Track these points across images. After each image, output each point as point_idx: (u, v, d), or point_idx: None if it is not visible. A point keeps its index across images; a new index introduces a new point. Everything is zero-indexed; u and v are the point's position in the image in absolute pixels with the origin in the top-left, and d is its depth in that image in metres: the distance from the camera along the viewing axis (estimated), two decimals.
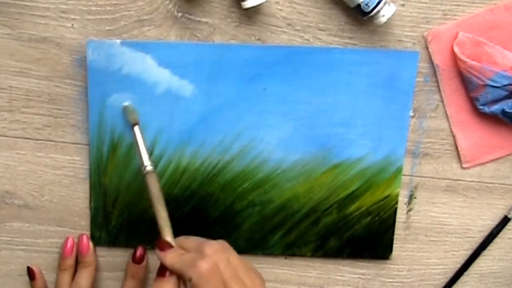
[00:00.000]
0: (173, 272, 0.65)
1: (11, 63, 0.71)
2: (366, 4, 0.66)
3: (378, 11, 0.67)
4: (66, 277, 0.76)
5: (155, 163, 0.72)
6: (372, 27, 0.70)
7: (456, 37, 0.70)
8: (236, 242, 0.76)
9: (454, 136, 0.74)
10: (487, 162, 0.75)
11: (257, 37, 0.70)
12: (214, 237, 0.75)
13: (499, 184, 0.76)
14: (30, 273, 0.77)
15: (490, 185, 0.76)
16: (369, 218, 0.76)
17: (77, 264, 0.76)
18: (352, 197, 0.75)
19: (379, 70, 0.70)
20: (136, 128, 0.70)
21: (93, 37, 0.70)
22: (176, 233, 0.72)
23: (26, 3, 0.69)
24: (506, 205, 0.77)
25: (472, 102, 0.72)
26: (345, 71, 0.70)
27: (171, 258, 0.66)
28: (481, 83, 0.69)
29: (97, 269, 0.77)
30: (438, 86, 0.72)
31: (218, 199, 0.75)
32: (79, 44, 0.70)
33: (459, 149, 0.74)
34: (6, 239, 0.77)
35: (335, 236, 0.76)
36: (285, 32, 0.70)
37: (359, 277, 0.79)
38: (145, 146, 0.69)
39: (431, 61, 0.71)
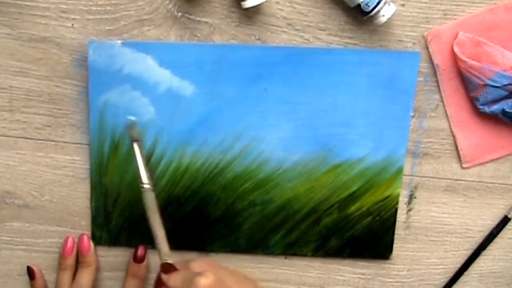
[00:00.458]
0: None
1: (11, 63, 0.71)
2: (366, 4, 0.66)
3: (378, 11, 0.67)
4: (66, 276, 0.76)
5: (155, 163, 0.73)
6: (372, 27, 0.70)
7: (456, 37, 0.70)
8: (237, 242, 0.76)
9: (454, 136, 0.74)
10: (487, 162, 0.75)
11: (257, 37, 0.70)
12: (214, 237, 0.76)
13: (499, 184, 0.76)
14: (30, 272, 0.77)
15: (490, 185, 0.76)
16: (369, 218, 0.76)
17: (78, 263, 0.76)
18: (353, 197, 0.75)
19: (380, 71, 0.70)
20: (136, 145, 0.71)
21: (93, 37, 0.70)
22: (176, 233, 0.72)
23: (26, 3, 0.69)
24: (506, 205, 0.77)
25: (472, 102, 0.72)
26: (346, 71, 0.70)
27: (174, 280, 0.68)
28: (481, 83, 0.69)
29: (97, 269, 0.77)
30: (438, 86, 0.72)
31: (219, 199, 0.75)
32: (79, 44, 0.70)
33: (459, 149, 0.74)
34: (6, 239, 0.77)
35: (335, 236, 0.76)
36: (285, 32, 0.70)
37: (359, 277, 0.79)
38: (145, 163, 0.70)
39: (431, 61, 0.71)
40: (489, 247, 0.78)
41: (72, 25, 0.70)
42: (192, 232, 0.76)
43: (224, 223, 0.76)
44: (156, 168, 0.73)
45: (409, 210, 0.77)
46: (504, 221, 0.77)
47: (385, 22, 0.68)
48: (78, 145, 0.74)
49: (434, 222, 0.77)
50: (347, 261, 0.79)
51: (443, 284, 0.80)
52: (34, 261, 0.78)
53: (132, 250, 0.76)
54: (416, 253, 0.79)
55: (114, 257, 0.78)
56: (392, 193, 0.75)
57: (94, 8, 0.69)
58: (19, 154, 0.74)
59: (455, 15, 0.70)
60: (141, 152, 0.71)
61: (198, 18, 0.70)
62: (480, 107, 0.71)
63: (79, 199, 0.76)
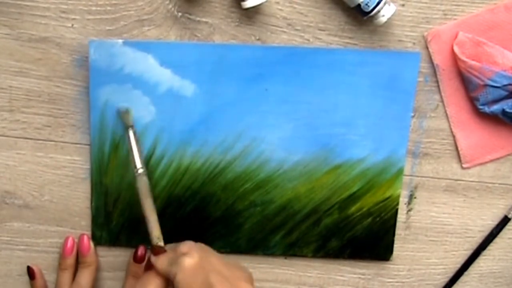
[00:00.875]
0: (160, 274, 0.69)
1: (11, 63, 0.71)
2: (366, 4, 0.66)
3: (378, 11, 0.67)
4: (66, 276, 0.76)
5: (156, 163, 0.73)
6: (372, 27, 0.70)
7: (456, 37, 0.70)
8: (237, 242, 0.76)
9: (454, 136, 0.74)
10: (487, 162, 0.75)
11: (257, 37, 0.70)
12: (215, 237, 0.76)
13: (499, 184, 0.76)
14: (30, 272, 0.77)
15: (490, 185, 0.76)
16: (370, 219, 0.76)
17: (78, 263, 0.76)
18: (353, 198, 0.75)
19: (380, 71, 0.70)
20: (130, 131, 0.71)
21: (93, 37, 0.70)
22: (176, 233, 0.72)
23: (26, 3, 0.69)
24: (506, 205, 0.77)
25: (472, 102, 0.72)
26: (346, 71, 0.70)
27: (161, 261, 0.68)
28: (481, 83, 0.69)
29: (98, 269, 0.77)
30: (438, 86, 0.72)
31: (219, 199, 0.75)
32: (79, 44, 0.70)
33: (459, 149, 0.74)
34: (6, 239, 0.77)
35: (336, 237, 0.76)
36: (285, 32, 0.70)
37: (359, 277, 0.79)
38: (138, 149, 0.70)
39: (431, 61, 0.71)
40: (489, 247, 0.78)
41: (72, 25, 0.70)
42: (192, 232, 0.75)
43: (225, 223, 0.76)
44: (156, 168, 0.73)
45: (409, 210, 0.77)
46: (504, 221, 0.77)
47: (385, 22, 0.68)
48: (78, 145, 0.74)
49: (434, 222, 0.77)
50: (347, 261, 0.79)
51: (443, 284, 0.80)
52: (34, 261, 0.78)
53: (132, 250, 0.76)
54: (416, 253, 0.79)
55: (114, 257, 0.78)
56: (392, 193, 0.75)
57: (94, 8, 0.69)
58: (19, 154, 0.74)
59: (455, 15, 0.70)
60: (135, 138, 0.70)
61: (198, 18, 0.70)
62: (480, 107, 0.71)
63: (79, 199, 0.76)
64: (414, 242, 0.78)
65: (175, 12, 0.69)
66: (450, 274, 0.79)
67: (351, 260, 0.78)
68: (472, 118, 0.73)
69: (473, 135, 0.74)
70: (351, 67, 0.70)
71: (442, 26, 0.70)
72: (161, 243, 0.70)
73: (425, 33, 0.70)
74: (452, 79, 0.72)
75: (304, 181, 0.74)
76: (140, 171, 0.70)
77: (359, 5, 0.67)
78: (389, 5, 0.67)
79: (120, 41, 0.69)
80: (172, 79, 0.70)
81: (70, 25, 0.70)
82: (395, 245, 0.78)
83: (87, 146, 0.74)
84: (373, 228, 0.76)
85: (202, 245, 0.70)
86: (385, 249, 0.77)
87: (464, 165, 0.75)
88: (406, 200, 0.76)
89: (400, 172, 0.74)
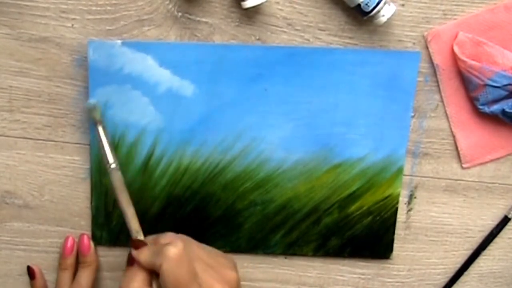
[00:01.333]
0: (144, 267, 0.67)
1: (11, 63, 0.71)
2: (366, 4, 0.66)
3: (378, 11, 0.67)
4: (66, 276, 0.76)
5: (155, 163, 0.73)
6: (372, 27, 0.70)
7: (456, 37, 0.70)
8: (238, 242, 0.76)
9: (454, 136, 0.74)
10: (487, 162, 0.75)
11: (257, 37, 0.70)
12: (215, 237, 0.76)
13: (499, 184, 0.76)
14: (30, 272, 0.77)
15: (490, 185, 0.76)
16: (370, 218, 0.76)
17: (78, 263, 0.76)
18: (353, 197, 0.75)
19: (380, 70, 0.70)
20: (100, 127, 0.69)
21: (93, 37, 0.70)
22: (177, 233, 0.71)
23: (26, 3, 0.69)
24: (506, 205, 0.77)
25: (472, 102, 0.72)
26: (346, 71, 0.70)
27: (143, 255, 0.67)
28: (481, 83, 0.69)
29: (98, 269, 0.77)
30: (438, 86, 0.72)
31: (219, 199, 0.75)
32: (79, 44, 0.70)
33: (459, 149, 0.74)
34: (6, 239, 0.77)
35: (336, 236, 0.76)
36: (285, 32, 0.70)
37: (359, 277, 0.79)
38: (109, 143, 0.69)
39: (431, 61, 0.71)
40: (489, 247, 0.78)
41: (72, 25, 0.70)
42: (193, 232, 0.75)
43: (225, 223, 0.76)
44: (156, 168, 0.73)
45: (409, 210, 0.77)
46: (504, 221, 0.77)
47: (385, 22, 0.68)
48: (78, 145, 0.74)
49: (434, 222, 0.77)
50: (347, 261, 0.79)
51: (443, 284, 0.80)
52: (34, 261, 0.78)
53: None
54: (416, 253, 0.79)
55: (114, 257, 0.78)
56: (392, 192, 0.75)
57: (94, 8, 0.69)
58: (19, 154, 0.74)
59: (455, 15, 0.70)
60: (105, 134, 0.69)
61: (198, 18, 0.70)
62: (480, 107, 0.71)
63: (79, 199, 0.76)
64: (414, 242, 0.78)
65: (175, 12, 0.69)
66: (450, 274, 0.79)
67: (351, 259, 0.78)
68: (472, 118, 0.73)
69: (473, 135, 0.74)
70: (351, 67, 0.70)
71: (442, 26, 0.70)
72: (141, 237, 0.69)
73: (425, 33, 0.70)
74: (452, 79, 0.72)
75: (304, 180, 0.74)
76: (113, 166, 0.69)
77: (359, 5, 0.67)
78: (389, 5, 0.67)
79: (119, 41, 0.69)
80: (172, 79, 0.70)
81: (70, 25, 0.70)
82: (395, 245, 0.78)
83: (87, 146, 0.74)
84: (373, 227, 0.76)
85: (183, 235, 0.70)
86: (385, 247, 0.77)
87: (464, 165, 0.75)
88: (406, 200, 0.76)
89: (399, 171, 0.74)
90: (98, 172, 0.74)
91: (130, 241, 0.68)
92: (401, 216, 0.77)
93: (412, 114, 0.73)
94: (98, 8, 0.69)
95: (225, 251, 0.76)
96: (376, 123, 0.72)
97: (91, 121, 0.71)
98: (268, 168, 0.73)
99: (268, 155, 0.73)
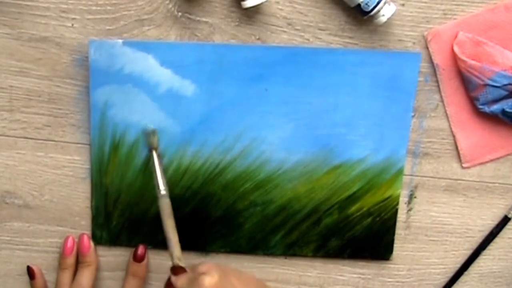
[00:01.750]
0: None
1: (11, 62, 0.71)
2: (366, 4, 0.66)
3: (378, 11, 0.67)
4: (66, 276, 0.76)
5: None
6: (372, 26, 0.70)
7: (456, 36, 0.70)
8: (238, 242, 0.76)
9: (454, 136, 0.74)
10: (487, 162, 0.75)
11: (257, 37, 0.70)
12: (215, 237, 0.76)
13: (499, 184, 0.76)
14: (30, 272, 0.77)
15: (490, 185, 0.76)
16: (370, 219, 0.76)
17: (78, 263, 0.76)
18: (353, 198, 0.75)
19: (381, 71, 0.70)
20: (154, 153, 0.71)
21: (93, 36, 0.70)
22: (177, 233, 0.71)
23: (26, 3, 0.69)
24: (506, 205, 0.77)
25: (472, 102, 0.72)
26: (347, 71, 0.70)
27: (181, 281, 0.67)
28: (481, 82, 0.69)
29: (98, 269, 0.77)
30: (438, 86, 0.72)
31: (219, 199, 0.75)
32: (79, 44, 0.70)
33: (459, 149, 0.74)
34: (6, 239, 0.77)
35: (336, 236, 0.76)
36: (285, 31, 0.70)
37: (359, 277, 0.79)
38: (161, 170, 0.71)
39: (431, 61, 0.71)
40: (489, 247, 0.78)
41: (72, 25, 0.70)
42: (193, 232, 0.76)
43: (225, 223, 0.76)
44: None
45: (409, 210, 0.77)
46: (504, 221, 0.77)
47: (385, 22, 0.68)
48: (78, 145, 0.74)
49: (434, 222, 0.77)
50: (347, 261, 0.79)
51: (443, 284, 0.80)
52: (34, 261, 0.78)
53: (132, 250, 0.76)
54: (416, 253, 0.79)
55: (114, 257, 0.78)
56: (392, 193, 0.75)
57: (94, 8, 0.69)
58: (19, 154, 0.74)
59: (455, 15, 0.70)
60: (158, 160, 0.71)
61: (198, 18, 0.70)
62: (480, 107, 0.71)
63: (79, 199, 0.76)
64: (414, 242, 0.78)
65: (175, 12, 0.69)
66: (450, 274, 0.79)
67: (351, 259, 0.78)
68: (472, 118, 0.73)
69: (473, 135, 0.74)
70: (352, 67, 0.70)
71: (442, 26, 0.70)
72: (182, 264, 0.70)
73: (425, 33, 0.70)
74: (452, 79, 0.72)
75: (304, 181, 0.74)
76: (163, 192, 0.70)
77: (359, 4, 0.67)
78: (389, 4, 0.67)
79: (120, 41, 0.69)
80: (172, 79, 0.70)
81: (70, 24, 0.70)
82: (395, 245, 0.78)
83: (87, 146, 0.74)
84: (373, 228, 0.76)
85: (221, 264, 0.71)
86: (385, 248, 0.77)
87: (464, 165, 0.75)
88: (406, 200, 0.76)
89: (400, 172, 0.74)
90: (98, 172, 0.74)
91: (172, 267, 0.69)
92: (401, 216, 0.77)
93: (412, 114, 0.73)
94: (98, 8, 0.69)
95: (225, 251, 0.76)
96: (376, 123, 0.72)
97: (147, 145, 0.72)
98: (268, 169, 0.73)
99: (268, 156, 0.73)
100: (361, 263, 0.79)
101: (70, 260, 0.76)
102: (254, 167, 0.73)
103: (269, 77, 0.70)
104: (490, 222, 0.78)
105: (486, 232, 0.78)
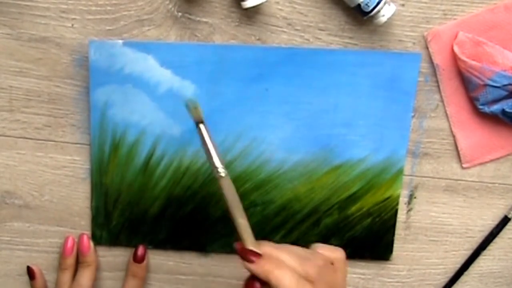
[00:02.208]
0: (264, 282, 0.58)
1: (11, 63, 0.71)
2: (366, 4, 0.66)
3: (378, 11, 0.67)
4: (66, 276, 0.76)
5: (156, 163, 0.73)
6: (372, 27, 0.70)
7: (456, 37, 0.70)
8: None
9: (454, 136, 0.74)
10: (487, 162, 0.75)
11: (257, 37, 0.70)
12: (215, 237, 0.76)
13: (499, 184, 0.76)
14: (30, 272, 0.77)
15: (490, 185, 0.76)
16: (370, 219, 0.76)
17: (78, 263, 0.76)
18: (353, 198, 0.75)
19: (381, 71, 0.70)
20: (202, 127, 0.62)
21: (93, 37, 0.70)
22: (177, 233, 0.71)
23: (26, 3, 0.69)
24: (506, 205, 0.77)
25: (472, 102, 0.72)
26: (347, 72, 0.70)
27: (261, 266, 0.59)
28: (481, 83, 0.69)
29: (97, 269, 0.77)
30: (438, 86, 0.72)
31: (219, 199, 0.74)
32: (79, 44, 0.70)
33: (459, 149, 0.74)
34: (6, 239, 0.77)
35: (336, 237, 0.76)
36: (285, 32, 0.70)
37: (359, 277, 0.79)
38: (214, 146, 0.61)
39: (431, 61, 0.71)
40: (489, 247, 0.78)
41: (72, 25, 0.70)
42: (193, 232, 0.75)
43: (225, 223, 0.75)
44: (156, 168, 0.73)
45: (409, 210, 0.77)
46: (504, 221, 0.77)
47: (385, 22, 0.68)
48: (78, 145, 0.74)
49: (434, 222, 0.77)
50: (347, 261, 0.78)
51: (443, 284, 0.80)
52: (34, 261, 0.78)
53: (132, 250, 0.76)
54: (416, 253, 0.79)
55: (114, 257, 0.78)
56: (392, 194, 0.75)
57: (94, 8, 0.69)
58: (19, 154, 0.74)
59: (455, 15, 0.70)
60: (208, 134, 0.62)
61: (198, 18, 0.70)
62: (480, 107, 0.71)
63: (79, 199, 0.76)
64: (414, 242, 0.78)
65: (175, 12, 0.69)
66: (450, 274, 0.79)
67: (351, 260, 0.78)
68: (472, 118, 0.73)
69: (473, 135, 0.74)
70: (352, 68, 0.70)
71: (442, 26, 0.70)
72: (255, 248, 0.60)
73: (425, 33, 0.70)
74: (452, 79, 0.72)
75: (304, 181, 0.74)
76: (222, 172, 0.60)
77: (359, 5, 0.67)
78: (389, 5, 0.67)
79: (120, 41, 0.69)
80: (173, 79, 0.70)
81: (70, 25, 0.70)
82: (395, 245, 0.78)
83: (87, 146, 0.74)
84: (373, 228, 0.76)
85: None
86: (385, 249, 0.77)
87: (464, 165, 0.75)
88: (406, 200, 0.76)
89: (400, 172, 0.74)
90: (98, 172, 0.74)
91: (242, 251, 0.60)
92: (401, 216, 0.77)
93: (412, 114, 0.73)
94: (98, 8, 0.69)
95: (225, 252, 0.76)
96: (376, 124, 0.72)
97: (193, 119, 0.63)
98: (268, 169, 0.73)
99: (268, 156, 0.73)
100: (361, 263, 0.79)
101: (70, 260, 0.76)
102: (254, 167, 0.73)
103: (269, 77, 0.70)
104: (490, 222, 0.78)
105: (486, 232, 0.78)
